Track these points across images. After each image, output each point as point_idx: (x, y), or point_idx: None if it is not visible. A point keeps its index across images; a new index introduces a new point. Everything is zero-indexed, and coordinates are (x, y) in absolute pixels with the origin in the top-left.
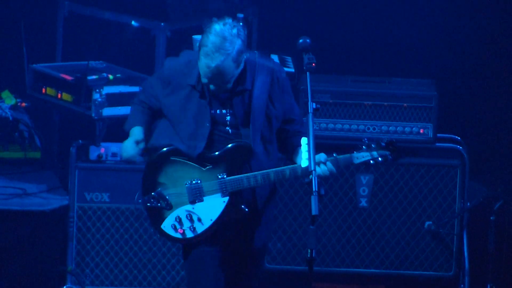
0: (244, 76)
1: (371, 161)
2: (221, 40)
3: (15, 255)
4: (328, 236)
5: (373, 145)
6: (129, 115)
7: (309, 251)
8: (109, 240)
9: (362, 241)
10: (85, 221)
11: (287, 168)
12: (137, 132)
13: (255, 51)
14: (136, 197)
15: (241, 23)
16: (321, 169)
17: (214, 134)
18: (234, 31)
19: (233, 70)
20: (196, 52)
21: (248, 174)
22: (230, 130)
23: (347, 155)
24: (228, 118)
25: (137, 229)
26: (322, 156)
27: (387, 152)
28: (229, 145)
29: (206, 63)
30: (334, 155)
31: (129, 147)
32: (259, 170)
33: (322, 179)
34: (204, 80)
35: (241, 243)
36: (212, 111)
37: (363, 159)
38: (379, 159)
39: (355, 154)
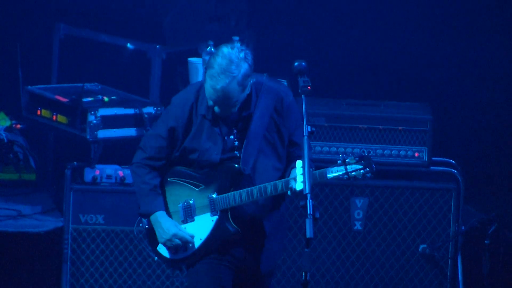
0: (250, 101)
1: (345, 176)
2: (227, 62)
3: (10, 277)
4: (322, 259)
5: (347, 160)
6: (145, 194)
7: (303, 273)
8: (104, 262)
9: (357, 264)
10: (79, 243)
11: (268, 184)
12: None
13: (264, 74)
14: (136, 223)
15: (247, 48)
16: (297, 184)
17: (224, 159)
18: (242, 54)
19: (238, 93)
20: (199, 82)
21: (235, 191)
22: (238, 154)
23: (322, 170)
24: (236, 143)
25: (131, 251)
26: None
27: (360, 166)
28: (220, 167)
29: (211, 84)
30: (311, 169)
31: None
32: None
33: (295, 196)
34: (210, 102)
35: (248, 266)
36: (222, 138)
37: (336, 173)
38: (352, 173)
39: (329, 168)
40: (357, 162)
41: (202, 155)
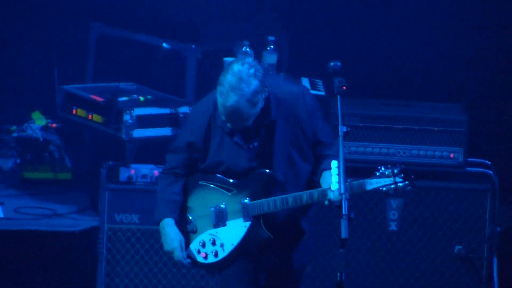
0: (269, 108)
1: (383, 188)
2: (237, 80)
3: (45, 276)
4: (357, 259)
5: (386, 172)
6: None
7: (338, 274)
8: (139, 262)
9: (392, 265)
10: (114, 242)
11: (304, 193)
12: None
13: (281, 74)
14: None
15: (258, 64)
16: (334, 195)
17: (250, 167)
18: (252, 71)
19: (248, 110)
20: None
21: (269, 198)
22: (264, 160)
23: (361, 181)
24: (261, 150)
25: None
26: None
27: (399, 180)
28: (253, 173)
29: (221, 102)
30: (349, 180)
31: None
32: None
33: (335, 204)
34: (223, 118)
35: (280, 263)
36: (246, 147)
37: (376, 185)
38: (391, 186)
39: (368, 180)
40: (395, 175)
41: (229, 165)
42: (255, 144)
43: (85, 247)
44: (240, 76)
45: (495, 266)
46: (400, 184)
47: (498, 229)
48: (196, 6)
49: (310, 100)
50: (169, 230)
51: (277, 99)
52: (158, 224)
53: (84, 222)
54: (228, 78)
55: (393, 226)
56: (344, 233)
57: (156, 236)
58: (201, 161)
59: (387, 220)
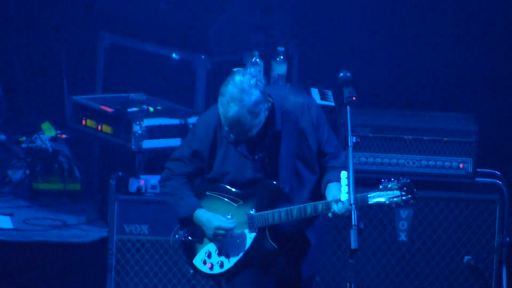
0: (274, 118)
1: (386, 202)
2: (238, 91)
3: (54, 287)
4: (367, 270)
5: (389, 186)
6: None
7: (348, 284)
8: (148, 273)
9: (401, 275)
10: (124, 253)
11: (308, 205)
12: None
13: (287, 84)
14: (172, 234)
15: (263, 72)
16: (338, 207)
17: (255, 178)
18: (253, 81)
19: (250, 121)
20: None
21: (274, 210)
22: (269, 171)
23: (364, 194)
24: (266, 160)
25: (176, 261)
26: (341, 196)
27: (403, 193)
28: (260, 184)
29: (222, 113)
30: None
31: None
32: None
33: (337, 217)
34: (226, 128)
35: (288, 274)
36: (251, 157)
37: (378, 199)
38: (394, 200)
39: (371, 193)
40: (399, 189)
41: (235, 176)
42: (260, 155)
43: (95, 258)
44: (241, 87)
45: (504, 277)
46: (403, 198)
47: (508, 239)
48: (206, 17)
49: (316, 111)
50: (205, 217)
51: (282, 110)
52: (185, 220)
53: (94, 233)
54: (229, 89)
55: (402, 237)
56: (353, 244)
57: (165, 247)
58: (207, 171)
59: (397, 230)
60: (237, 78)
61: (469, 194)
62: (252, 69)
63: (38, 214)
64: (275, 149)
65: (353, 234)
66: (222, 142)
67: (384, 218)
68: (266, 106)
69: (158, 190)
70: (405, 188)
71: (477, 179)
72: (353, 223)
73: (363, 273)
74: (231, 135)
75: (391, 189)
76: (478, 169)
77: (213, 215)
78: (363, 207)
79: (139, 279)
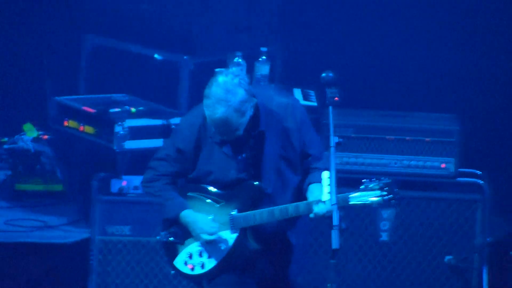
0: (258, 118)
1: (368, 202)
2: (222, 91)
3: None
4: (348, 270)
5: (370, 186)
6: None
7: (329, 285)
8: (130, 274)
9: (383, 275)
10: (105, 254)
11: (290, 205)
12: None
13: (272, 85)
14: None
15: (242, 71)
16: (319, 208)
17: (238, 178)
18: (236, 80)
19: (236, 120)
20: None
21: (256, 211)
22: (252, 171)
23: (345, 194)
24: (249, 161)
25: (157, 262)
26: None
27: (384, 193)
28: (242, 184)
29: (209, 115)
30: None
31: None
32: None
33: (318, 218)
34: (213, 129)
35: (270, 275)
36: (235, 157)
37: (359, 199)
38: (375, 200)
39: (352, 193)
40: (380, 189)
41: (218, 176)
42: (244, 155)
43: (77, 259)
44: (225, 87)
45: (485, 276)
46: (385, 198)
47: (489, 239)
48: (189, 18)
49: (300, 112)
50: (195, 216)
51: (267, 110)
52: (172, 220)
53: (76, 234)
54: (214, 90)
55: (384, 237)
56: (335, 244)
57: (147, 248)
58: (190, 171)
59: (378, 230)
60: (220, 79)
61: (451, 194)
62: (234, 68)
63: (20, 215)
64: (259, 149)
65: (334, 234)
66: (206, 141)
67: (365, 218)
68: (251, 104)
69: (140, 191)
70: (386, 188)
71: (459, 179)
72: (334, 223)
73: (344, 273)
74: (219, 136)
75: (373, 189)
76: (460, 169)
77: (199, 217)
78: (344, 207)
79: (121, 280)
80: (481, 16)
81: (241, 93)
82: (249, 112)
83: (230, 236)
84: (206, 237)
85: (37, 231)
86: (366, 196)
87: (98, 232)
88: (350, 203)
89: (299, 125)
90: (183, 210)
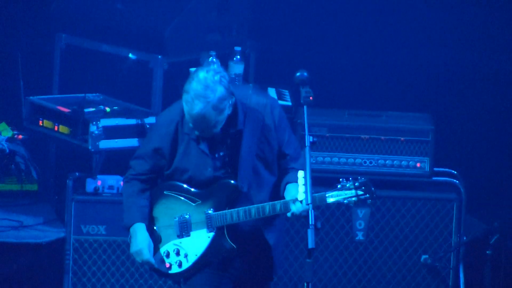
0: (236, 117)
1: (345, 201)
2: (202, 87)
3: (11, 287)
4: (324, 269)
5: (347, 185)
6: (128, 206)
7: (305, 284)
8: (105, 273)
9: (359, 274)
10: (81, 253)
11: (267, 205)
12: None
13: (250, 84)
14: (129, 235)
15: (223, 69)
16: (296, 207)
17: (214, 177)
18: (217, 77)
19: (215, 117)
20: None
21: (232, 210)
22: (229, 170)
23: (322, 193)
24: (226, 159)
25: (133, 262)
26: (299, 195)
27: (360, 192)
28: (218, 183)
29: (187, 110)
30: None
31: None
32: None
33: (295, 217)
34: (190, 125)
35: (246, 274)
36: (211, 156)
37: (336, 198)
38: (352, 199)
39: (329, 193)
40: (356, 188)
41: (194, 174)
42: (221, 153)
43: (52, 258)
44: (205, 83)
45: (461, 275)
46: (361, 197)
47: (465, 238)
48: (162, 17)
49: (278, 113)
50: (140, 234)
51: (245, 109)
52: (127, 229)
53: (51, 233)
54: (193, 86)
55: (359, 236)
56: (311, 243)
57: (123, 248)
58: (166, 167)
59: (354, 229)
60: (201, 74)
61: (426, 193)
62: (216, 66)
63: None
64: (236, 148)
65: (310, 233)
66: (183, 138)
67: (341, 218)
68: (230, 102)
69: (115, 191)
70: (363, 188)
71: (434, 178)
72: (310, 223)
73: (320, 272)
74: (196, 132)
75: (349, 188)
76: (435, 168)
77: (147, 239)
78: (320, 206)
79: (97, 279)
80: (454, 14)
81: (220, 91)
82: (228, 111)
83: (206, 235)
84: (137, 257)
85: (12, 230)
86: (343, 195)
87: (73, 232)
88: (327, 202)
89: (277, 125)
90: (135, 223)
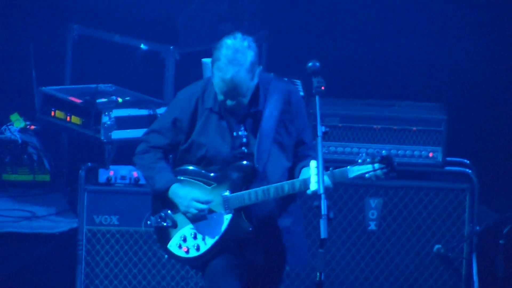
0: (257, 97)
1: (366, 175)
2: (233, 52)
3: (25, 278)
4: (337, 259)
5: (368, 159)
6: (157, 171)
7: (318, 274)
8: (118, 263)
9: (371, 264)
10: (94, 243)
11: (285, 183)
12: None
13: (271, 74)
14: (143, 221)
15: (250, 38)
16: (311, 183)
17: (232, 155)
18: (245, 43)
19: (248, 82)
20: (206, 78)
21: (250, 190)
22: (245, 150)
23: (343, 168)
24: (244, 140)
25: (146, 252)
26: (311, 171)
27: (382, 165)
28: (232, 164)
29: (220, 76)
30: (331, 169)
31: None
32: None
33: (314, 204)
34: (220, 96)
35: (262, 259)
36: (232, 133)
37: (358, 172)
38: (373, 172)
39: (350, 167)
40: (378, 162)
41: (210, 151)
42: (240, 132)
43: (65, 248)
44: (236, 48)
45: (474, 265)
46: (384, 170)
47: (477, 228)
48: (174, 7)
49: (298, 100)
50: (182, 191)
51: (265, 92)
52: (162, 192)
53: (64, 224)
54: (224, 52)
55: (372, 226)
56: (323, 233)
57: (135, 238)
58: (183, 142)
59: (366, 219)
60: (229, 41)
61: (438, 183)
62: (240, 33)
63: (8, 205)
64: (254, 128)
65: (322, 223)
66: (203, 113)
67: (353, 208)
68: (258, 70)
69: (127, 181)
70: (385, 161)
71: (446, 168)
72: (322, 213)
73: (333, 262)
74: (224, 101)
75: (371, 163)
76: (447, 158)
77: (191, 189)
78: (332, 196)
79: (109, 269)
80: (467, 5)
81: (250, 55)
82: (256, 79)
83: (224, 217)
84: (199, 205)
85: (25, 221)
86: (364, 169)
87: (86, 222)
88: (349, 177)
89: (296, 112)
90: (173, 183)
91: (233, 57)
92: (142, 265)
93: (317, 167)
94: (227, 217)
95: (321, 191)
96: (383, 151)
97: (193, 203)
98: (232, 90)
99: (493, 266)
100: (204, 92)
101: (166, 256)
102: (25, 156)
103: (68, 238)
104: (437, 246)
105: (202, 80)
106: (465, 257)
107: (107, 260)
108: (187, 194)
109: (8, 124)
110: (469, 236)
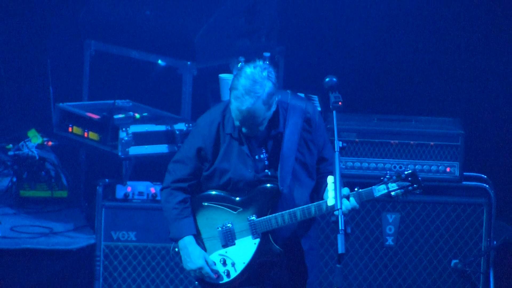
0: (277, 119)
1: (392, 193)
2: (251, 83)
3: None
4: (354, 274)
5: (394, 177)
6: (173, 218)
7: None
8: (136, 279)
9: (389, 279)
10: (111, 260)
11: (312, 205)
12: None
13: (288, 91)
14: (171, 247)
15: (270, 65)
16: (344, 205)
17: (256, 179)
18: (265, 73)
19: (264, 113)
20: (225, 102)
21: (276, 214)
22: (269, 173)
23: (368, 188)
24: (266, 163)
25: (163, 268)
26: (345, 191)
27: (407, 183)
28: (257, 188)
29: (236, 106)
30: (356, 189)
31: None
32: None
33: (345, 215)
34: (237, 123)
35: (283, 280)
36: (253, 157)
37: (384, 192)
38: (400, 190)
39: (376, 187)
40: (403, 180)
41: (234, 175)
42: (262, 156)
43: (82, 265)
44: (254, 79)
45: (491, 280)
46: (409, 188)
47: (495, 242)
48: (192, 23)
49: (318, 117)
50: (193, 248)
51: (284, 113)
52: (176, 241)
53: (81, 240)
54: (242, 82)
55: (389, 241)
56: (341, 248)
57: (153, 254)
58: (206, 168)
59: (384, 234)
60: (249, 70)
61: (456, 197)
62: (261, 62)
63: (25, 222)
64: (276, 150)
65: (340, 238)
66: (225, 139)
67: (371, 223)
68: (276, 99)
69: (145, 197)
70: (409, 178)
71: (464, 182)
72: (340, 228)
73: (350, 277)
74: (242, 129)
75: (396, 180)
76: (465, 173)
77: (201, 253)
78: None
79: (127, 285)
80: (484, 18)
81: (269, 86)
82: (273, 107)
83: (252, 242)
84: (192, 266)
85: (43, 237)
86: (390, 188)
87: (104, 238)
88: (375, 196)
89: (316, 130)
90: (184, 236)
91: (251, 88)
92: (159, 281)
93: (334, 182)
94: (255, 242)
95: (338, 206)
96: (409, 167)
97: (205, 269)
98: (248, 120)
99: (511, 281)
100: (224, 117)
101: (196, 283)
102: (43, 172)
103: (85, 254)
104: (454, 261)
105: (221, 104)
106: (482, 272)
107: (125, 276)
108: (197, 260)
109: (26, 140)
110: (487, 251)
